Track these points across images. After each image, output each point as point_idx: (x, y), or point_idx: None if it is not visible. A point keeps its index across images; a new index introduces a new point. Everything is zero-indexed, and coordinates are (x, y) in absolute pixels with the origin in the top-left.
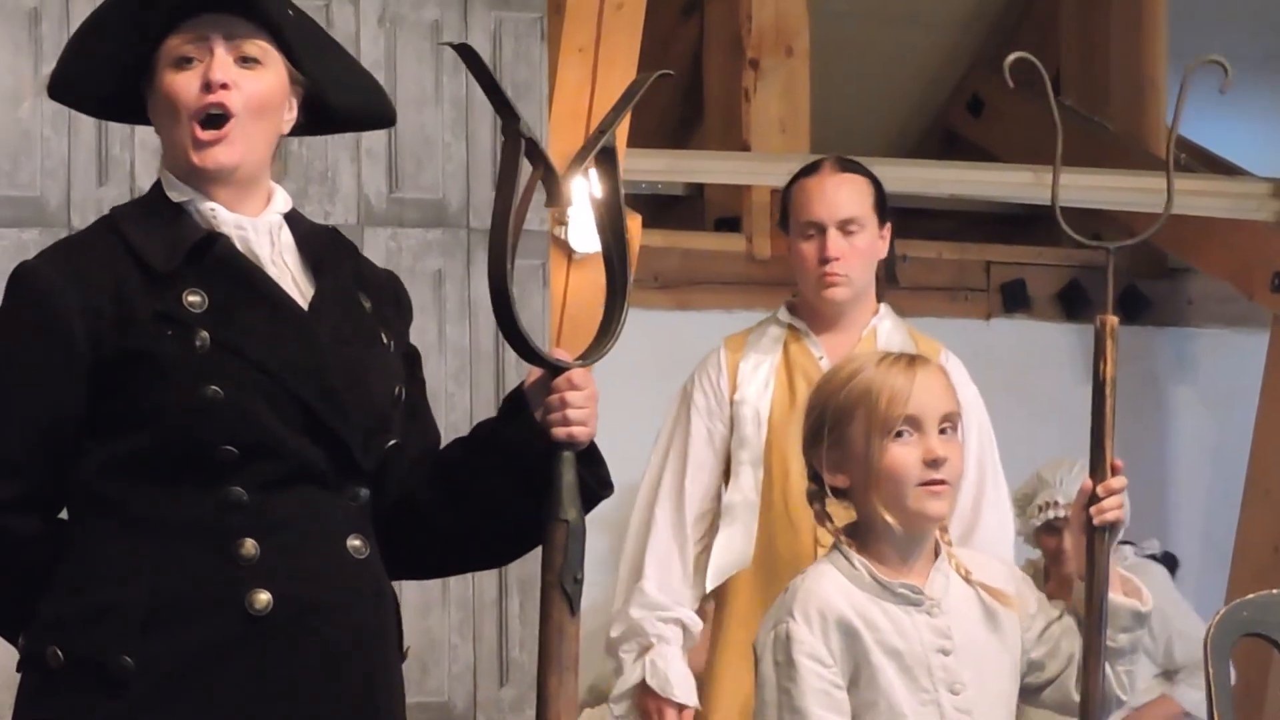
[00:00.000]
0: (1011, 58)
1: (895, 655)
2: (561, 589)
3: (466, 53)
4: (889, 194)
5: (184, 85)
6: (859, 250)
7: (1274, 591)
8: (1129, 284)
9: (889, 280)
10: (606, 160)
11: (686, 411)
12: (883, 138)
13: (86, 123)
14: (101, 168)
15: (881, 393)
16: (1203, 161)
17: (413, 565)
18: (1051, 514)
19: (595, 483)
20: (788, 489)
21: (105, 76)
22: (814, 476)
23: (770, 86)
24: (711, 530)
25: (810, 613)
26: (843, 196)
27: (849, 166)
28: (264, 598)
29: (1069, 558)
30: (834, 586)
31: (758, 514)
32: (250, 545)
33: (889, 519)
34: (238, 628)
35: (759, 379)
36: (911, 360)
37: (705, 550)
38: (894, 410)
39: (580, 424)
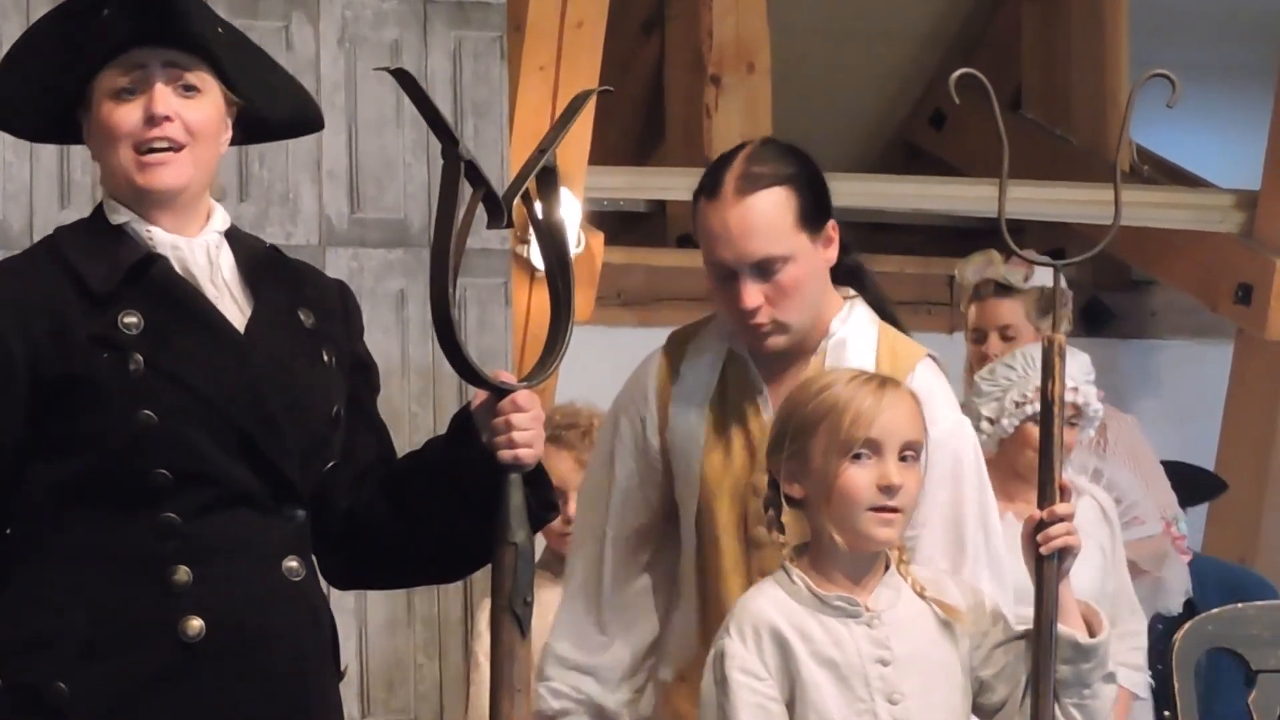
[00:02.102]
0: (957, 74)
1: (830, 665)
2: (512, 612)
3: (402, 77)
4: (851, 209)
5: (125, 117)
6: (786, 288)
7: (1239, 605)
8: (1092, 296)
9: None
10: (547, 180)
11: (609, 446)
12: (845, 152)
13: (49, 147)
14: (63, 192)
15: (846, 411)
16: (1166, 173)
17: (364, 576)
18: (1030, 409)
19: (539, 505)
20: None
21: (39, 103)
22: (772, 483)
23: (732, 103)
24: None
25: (744, 628)
26: (749, 233)
27: (755, 179)
28: (196, 624)
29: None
30: (770, 601)
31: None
32: (183, 572)
33: (836, 538)
34: (172, 655)
35: (691, 412)
36: (883, 382)
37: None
38: (856, 431)
39: (526, 445)
